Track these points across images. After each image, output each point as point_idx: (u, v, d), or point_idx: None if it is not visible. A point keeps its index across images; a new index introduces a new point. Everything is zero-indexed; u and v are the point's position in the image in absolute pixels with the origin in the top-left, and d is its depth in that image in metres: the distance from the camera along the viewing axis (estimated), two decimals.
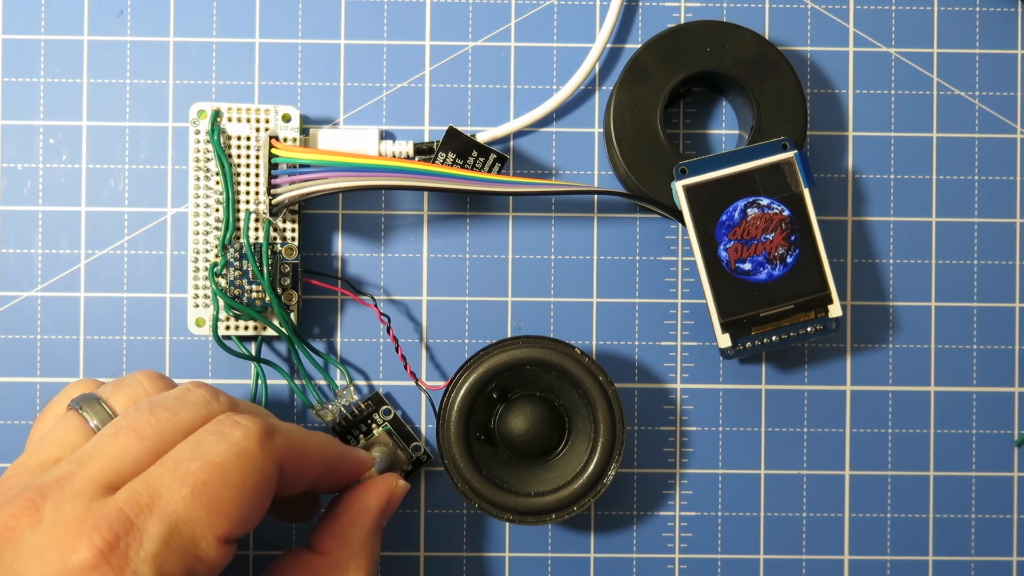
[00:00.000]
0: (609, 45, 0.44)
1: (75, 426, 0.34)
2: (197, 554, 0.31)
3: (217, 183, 0.41)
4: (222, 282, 0.41)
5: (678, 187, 0.41)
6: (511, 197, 0.44)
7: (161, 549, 0.30)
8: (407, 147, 0.42)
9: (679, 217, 0.42)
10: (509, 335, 0.44)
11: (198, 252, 0.41)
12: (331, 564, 0.36)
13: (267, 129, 0.41)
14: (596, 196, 0.44)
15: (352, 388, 0.43)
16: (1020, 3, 0.45)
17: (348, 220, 0.44)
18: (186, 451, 0.32)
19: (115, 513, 0.30)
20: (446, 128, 0.41)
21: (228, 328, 0.42)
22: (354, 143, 0.42)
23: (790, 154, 0.41)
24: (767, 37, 0.44)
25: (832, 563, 0.44)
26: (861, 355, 0.44)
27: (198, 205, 0.41)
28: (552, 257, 0.44)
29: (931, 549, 0.44)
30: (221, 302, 0.41)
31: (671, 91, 0.42)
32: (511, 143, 0.44)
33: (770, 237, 0.41)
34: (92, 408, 0.35)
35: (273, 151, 0.41)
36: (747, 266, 0.41)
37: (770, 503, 0.44)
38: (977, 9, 0.45)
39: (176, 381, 0.37)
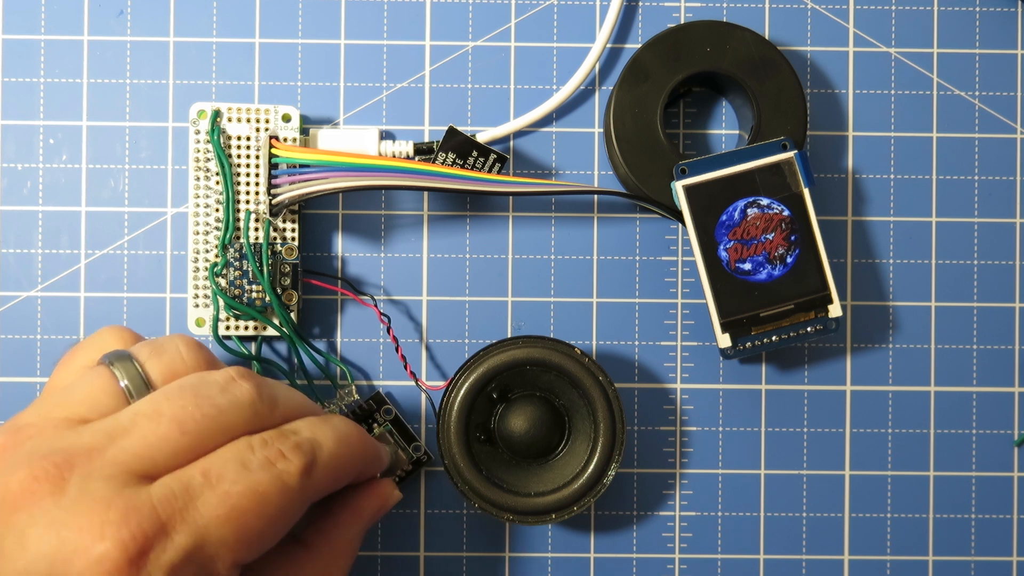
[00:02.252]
0: (609, 45, 0.44)
1: (105, 385, 0.33)
2: (211, 574, 0.30)
3: (217, 183, 0.41)
4: (222, 282, 0.41)
5: (678, 187, 0.41)
6: (511, 197, 0.44)
7: (181, 561, 0.29)
8: (407, 147, 0.42)
9: (679, 217, 0.42)
10: (509, 335, 0.44)
11: (198, 252, 0.41)
12: (314, 558, 0.35)
13: (267, 129, 0.41)
14: (596, 196, 0.44)
15: (353, 387, 0.43)
16: (1020, 3, 0.45)
17: (348, 220, 0.44)
18: (230, 470, 0.31)
19: (148, 510, 0.29)
20: (446, 128, 0.41)
21: (228, 328, 0.42)
22: (354, 143, 0.42)
23: (790, 154, 0.41)
24: (767, 37, 0.44)
25: (832, 563, 0.44)
26: (861, 355, 0.44)
27: (198, 205, 0.41)
28: (552, 257, 0.44)
29: (931, 549, 0.44)
30: (221, 302, 0.41)
31: (671, 91, 0.42)
32: (511, 143, 0.44)
33: (770, 237, 0.41)
34: (125, 368, 0.33)
35: (273, 151, 0.41)
36: (747, 266, 0.41)
37: (770, 503, 0.44)
38: (977, 9, 0.45)
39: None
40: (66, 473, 0.29)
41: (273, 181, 0.41)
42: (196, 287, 0.42)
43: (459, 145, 0.41)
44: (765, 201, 0.41)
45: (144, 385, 0.33)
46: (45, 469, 0.29)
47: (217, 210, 0.41)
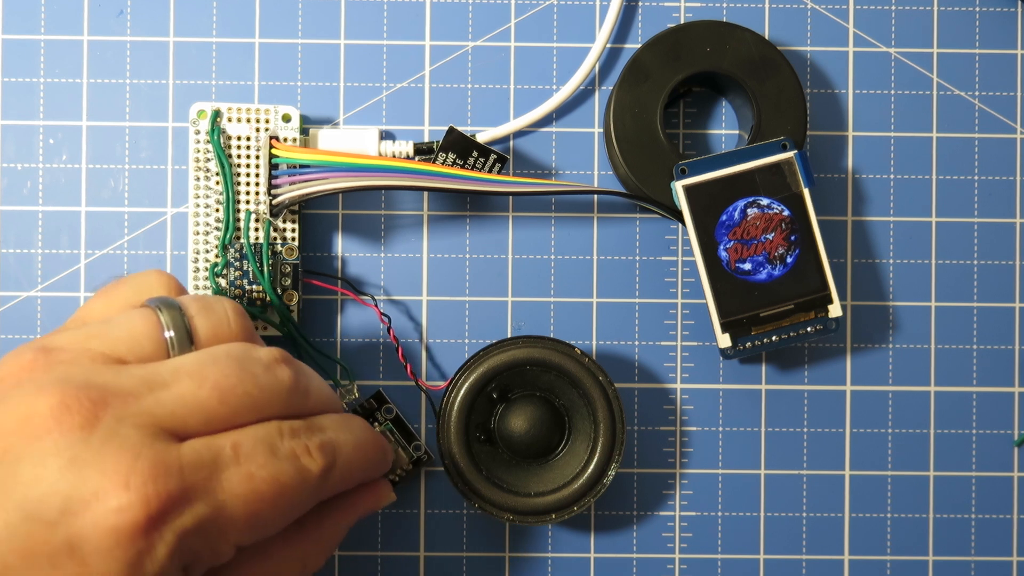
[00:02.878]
0: (609, 45, 0.44)
1: (149, 330, 0.31)
2: (213, 550, 0.30)
3: (217, 183, 0.41)
4: (222, 282, 0.41)
5: (678, 187, 0.41)
6: (511, 197, 0.44)
7: (194, 529, 0.29)
8: (407, 147, 0.42)
9: (679, 217, 0.42)
10: (509, 335, 0.44)
11: (198, 252, 0.41)
12: (302, 539, 0.34)
13: (267, 129, 0.41)
14: (596, 196, 0.44)
15: (355, 386, 0.43)
16: (1020, 3, 0.45)
17: (348, 220, 0.44)
18: (259, 452, 0.30)
19: (176, 470, 0.28)
20: (446, 128, 0.41)
21: None
22: (354, 143, 0.42)
23: (790, 154, 0.41)
24: (767, 37, 0.44)
25: (832, 563, 0.44)
26: (861, 355, 0.44)
27: (198, 205, 0.41)
28: (552, 257, 0.44)
29: (931, 549, 0.44)
30: None
31: (671, 91, 0.42)
32: (511, 143, 0.44)
33: (770, 237, 0.41)
34: (172, 317, 0.32)
35: (273, 151, 0.41)
36: (747, 266, 0.41)
37: (770, 503, 0.44)
38: (977, 9, 0.45)
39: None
40: (100, 411, 0.28)
41: (273, 181, 0.41)
42: (196, 287, 0.42)
43: (459, 145, 0.41)
44: (765, 201, 0.41)
45: (188, 340, 0.32)
46: (79, 400, 0.28)
47: (217, 210, 0.41)
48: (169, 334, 0.32)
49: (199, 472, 0.29)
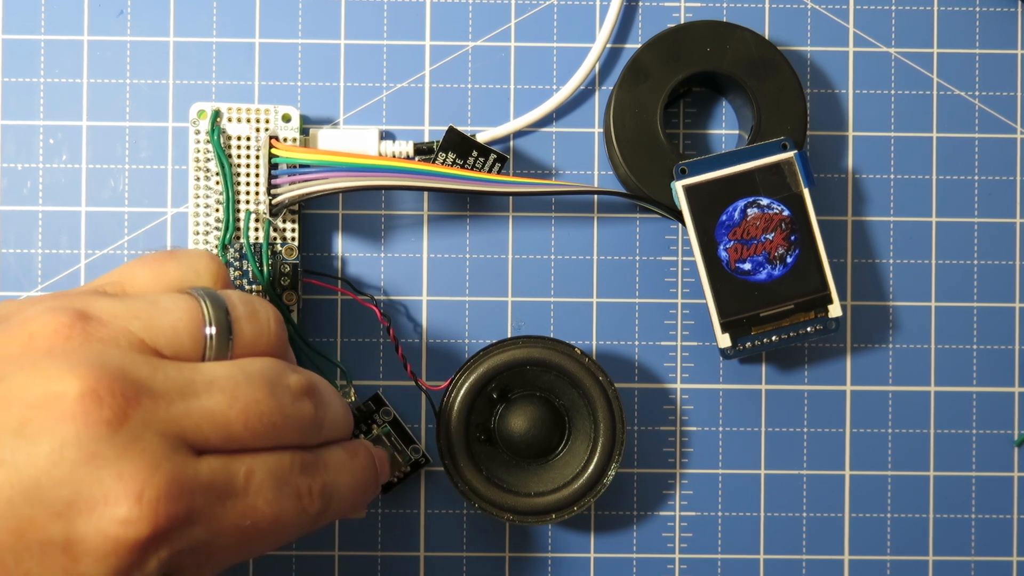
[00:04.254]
0: (609, 45, 0.44)
1: (191, 325, 0.30)
2: (197, 570, 0.30)
3: (217, 183, 0.41)
4: None
5: (678, 187, 0.41)
6: (511, 197, 0.44)
7: (186, 550, 0.29)
8: (407, 147, 0.42)
9: (679, 217, 0.42)
10: (509, 335, 0.44)
11: None
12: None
13: (267, 129, 0.41)
14: (596, 196, 0.44)
15: (352, 388, 0.43)
16: (1020, 3, 0.45)
17: (348, 220, 0.44)
18: (268, 487, 0.30)
19: (188, 491, 0.28)
20: (446, 128, 0.41)
21: None
22: (354, 143, 0.42)
23: (790, 154, 0.41)
24: (767, 37, 0.44)
25: (832, 563, 0.44)
26: (861, 355, 0.44)
27: (198, 205, 0.41)
28: (552, 257, 0.44)
29: (931, 549, 0.44)
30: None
31: (671, 91, 0.42)
32: (511, 143, 0.44)
33: (770, 237, 0.41)
34: (217, 317, 0.31)
35: (273, 151, 0.41)
36: (747, 266, 0.41)
37: (770, 503, 0.44)
38: (977, 9, 0.45)
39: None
40: (130, 409, 0.27)
41: (273, 181, 0.41)
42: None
43: (459, 145, 0.41)
44: (765, 201, 0.41)
45: (227, 343, 0.31)
46: (113, 393, 0.27)
47: (217, 210, 0.41)
48: (210, 331, 0.31)
49: (209, 495, 0.29)
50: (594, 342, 0.44)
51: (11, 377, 0.28)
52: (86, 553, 0.27)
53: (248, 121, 0.41)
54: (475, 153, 0.41)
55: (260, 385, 0.30)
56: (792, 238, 0.41)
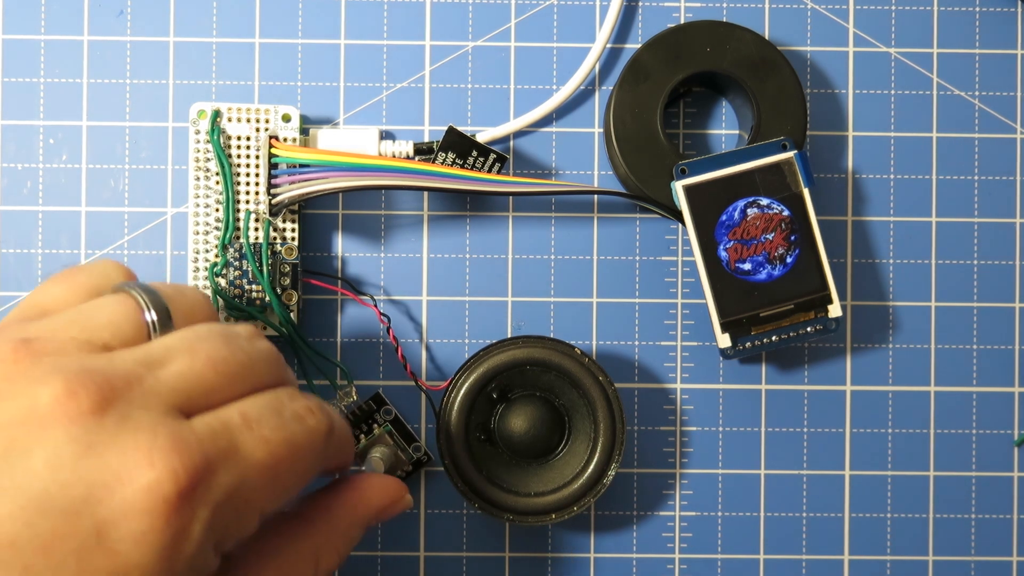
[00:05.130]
0: (609, 45, 0.44)
1: (130, 314, 0.30)
2: (241, 521, 0.29)
3: (217, 183, 0.41)
4: (222, 282, 0.41)
5: (678, 187, 0.41)
6: (511, 197, 0.44)
7: (222, 500, 0.28)
8: (407, 147, 0.42)
9: (679, 217, 0.42)
10: (509, 335, 0.44)
11: (198, 252, 0.41)
12: (312, 533, 0.33)
13: (267, 129, 0.41)
14: (596, 196, 0.44)
15: (353, 388, 0.43)
16: (1020, 3, 0.45)
17: (348, 220, 0.44)
18: (268, 417, 0.30)
19: (195, 444, 0.27)
20: (446, 128, 0.41)
21: None
22: (354, 143, 0.42)
23: (790, 154, 0.41)
24: (767, 37, 0.44)
25: (832, 563, 0.44)
26: (861, 355, 0.44)
27: (198, 205, 0.41)
28: (552, 257, 0.44)
29: (931, 549, 0.44)
30: (221, 302, 0.41)
31: (671, 91, 0.42)
32: (511, 143, 0.44)
33: (770, 237, 0.41)
34: (153, 300, 0.31)
35: (273, 151, 0.41)
36: (747, 266, 0.41)
37: (770, 503, 0.44)
38: (977, 9, 0.45)
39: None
40: (107, 394, 0.27)
41: (273, 181, 0.41)
42: (197, 287, 0.42)
43: (459, 145, 0.41)
44: (765, 201, 0.41)
45: (168, 322, 0.31)
46: (84, 385, 0.27)
47: (217, 210, 0.41)
48: (151, 316, 0.31)
49: (217, 442, 0.28)
50: (594, 342, 0.44)
51: None
52: (123, 539, 0.26)
53: (248, 121, 0.41)
54: (475, 153, 0.41)
55: (213, 337, 0.30)
56: (792, 238, 0.41)
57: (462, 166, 0.41)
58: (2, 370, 0.28)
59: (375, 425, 0.43)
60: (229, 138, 0.41)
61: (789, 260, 0.41)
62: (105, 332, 0.30)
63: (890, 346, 0.44)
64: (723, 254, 0.41)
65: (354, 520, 0.35)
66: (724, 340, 0.41)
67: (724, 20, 0.44)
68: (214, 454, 0.28)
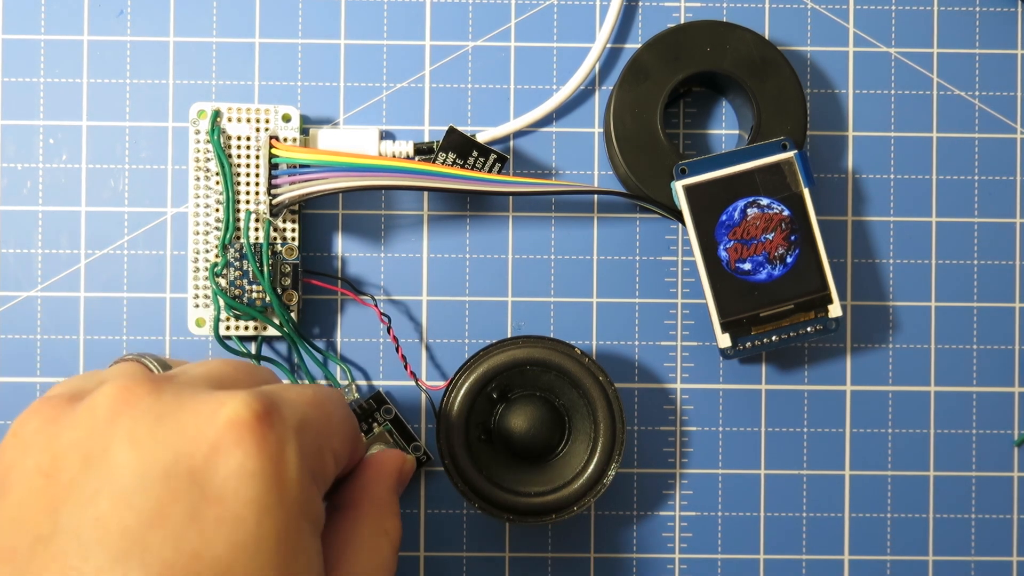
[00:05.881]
0: (609, 45, 0.44)
1: (134, 367, 0.32)
2: (321, 458, 0.30)
3: (217, 183, 0.41)
4: (222, 282, 0.41)
5: (678, 187, 0.41)
6: (511, 197, 0.44)
7: (299, 429, 0.29)
8: (407, 147, 0.42)
9: (679, 217, 0.42)
10: (509, 335, 0.44)
11: (198, 252, 0.41)
12: (364, 515, 0.34)
13: (267, 129, 0.41)
14: (596, 196, 0.44)
15: (353, 387, 0.43)
16: (1020, 3, 0.45)
17: (348, 220, 0.44)
18: (290, 386, 0.31)
19: (246, 393, 0.28)
20: (446, 128, 0.41)
21: (228, 328, 0.42)
22: (354, 143, 0.42)
23: (790, 154, 0.41)
24: (767, 37, 0.44)
25: (832, 563, 0.44)
26: (861, 355, 0.44)
27: (198, 205, 0.41)
28: (552, 257, 0.44)
29: (931, 549, 0.44)
30: (221, 302, 0.41)
31: (671, 91, 0.42)
32: (511, 143, 0.44)
33: (770, 237, 0.41)
34: (151, 361, 0.34)
35: (273, 151, 0.41)
36: (747, 266, 0.41)
37: (770, 503, 0.44)
38: (977, 9, 0.45)
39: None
40: (157, 382, 0.28)
41: (273, 181, 0.41)
42: (196, 287, 0.42)
43: (459, 145, 0.41)
44: (765, 201, 0.41)
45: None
46: (135, 378, 0.28)
47: (217, 210, 0.41)
48: (154, 368, 0.33)
49: (266, 395, 0.29)
50: (594, 342, 0.44)
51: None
52: (225, 482, 0.27)
53: (248, 121, 0.41)
54: (475, 153, 0.41)
55: (210, 362, 0.33)
56: (792, 238, 0.41)
57: (462, 166, 0.41)
58: (54, 412, 0.29)
59: (375, 424, 0.43)
60: (229, 138, 0.41)
61: (789, 260, 0.41)
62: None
63: (890, 346, 0.44)
64: (723, 254, 0.41)
65: (388, 487, 0.36)
66: (724, 340, 0.41)
67: (724, 20, 0.44)
68: (271, 399, 0.29)
